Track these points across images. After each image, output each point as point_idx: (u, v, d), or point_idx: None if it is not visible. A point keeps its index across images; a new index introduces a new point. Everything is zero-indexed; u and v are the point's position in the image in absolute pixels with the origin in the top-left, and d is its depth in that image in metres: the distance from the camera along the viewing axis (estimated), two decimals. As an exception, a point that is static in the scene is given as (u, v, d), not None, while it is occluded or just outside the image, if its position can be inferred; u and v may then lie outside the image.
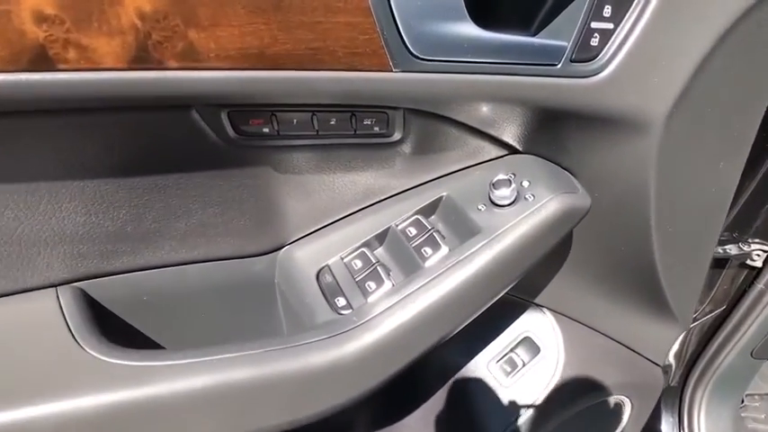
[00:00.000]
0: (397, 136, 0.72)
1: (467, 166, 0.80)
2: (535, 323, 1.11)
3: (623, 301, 1.05)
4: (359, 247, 0.78)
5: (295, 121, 0.65)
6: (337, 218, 0.80)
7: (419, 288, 0.70)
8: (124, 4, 0.47)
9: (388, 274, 0.74)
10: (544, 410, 1.07)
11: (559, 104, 0.67)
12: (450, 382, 1.11)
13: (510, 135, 0.76)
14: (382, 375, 0.72)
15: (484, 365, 1.09)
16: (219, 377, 0.63)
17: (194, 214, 0.70)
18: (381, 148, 0.74)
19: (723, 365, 1.48)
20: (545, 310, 1.11)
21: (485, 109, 0.69)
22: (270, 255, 0.79)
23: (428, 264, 0.73)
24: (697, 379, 1.55)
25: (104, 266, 0.70)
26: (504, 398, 1.07)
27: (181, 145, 0.64)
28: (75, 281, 0.69)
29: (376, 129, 0.70)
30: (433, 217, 0.79)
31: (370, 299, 0.72)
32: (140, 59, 0.50)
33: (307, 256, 0.78)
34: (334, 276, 0.76)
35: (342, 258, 0.77)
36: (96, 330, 0.66)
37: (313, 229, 0.80)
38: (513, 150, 0.80)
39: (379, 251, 0.79)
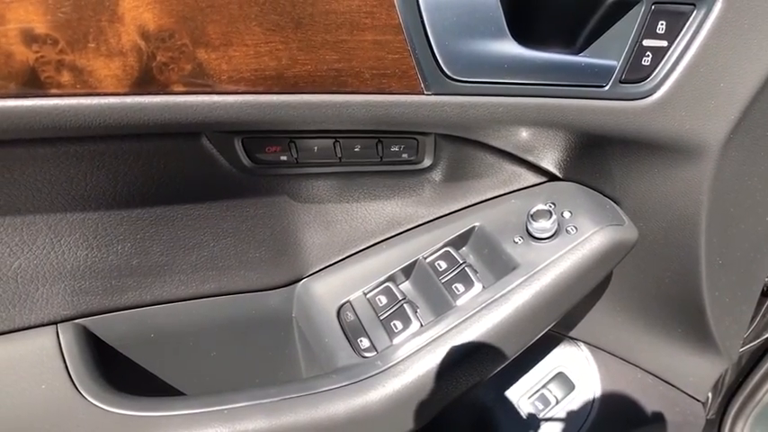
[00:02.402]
0: (426, 163, 0.66)
1: (502, 193, 0.74)
2: (569, 358, 1.04)
3: (664, 333, 0.98)
4: (383, 282, 0.71)
5: (316, 148, 0.59)
6: (360, 249, 0.74)
7: (450, 329, 0.64)
8: (125, 22, 0.42)
9: (416, 313, 0.68)
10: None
11: (606, 129, 0.61)
12: (478, 419, 1.04)
13: (550, 161, 0.70)
14: (410, 426, 0.66)
15: (514, 402, 1.02)
16: (232, 429, 0.57)
17: (205, 246, 0.65)
18: (409, 176, 0.68)
19: (765, 398, 1.39)
20: (580, 343, 1.04)
21: (524, 134, 0.63)
22: (287, 288, 0.73)
23: (460, 302, 0.66)
24: (737, 412, 1.46)
25: (108, 302, 0.64)
26: (533, 438, 1.00)
27: (190, 174, 0.58)
28: (78, 317, 0.64)
29: (404, 156, 0.64)
30: (464, 249, 0.73)
31: (396, 340, 0.66)
32: (143, 83, 0.44)
33: (326, 291, 0.72)
34: (356, 314, 0.69)
35: (365, 294, 0.71)
36: (98, 373, 0.60)
37: (333, 261, 0.74)
38: (552, 177, 0.74)
39: (406, 286, 0.72)
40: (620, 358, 1.05)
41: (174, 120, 0.47)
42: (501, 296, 0.65)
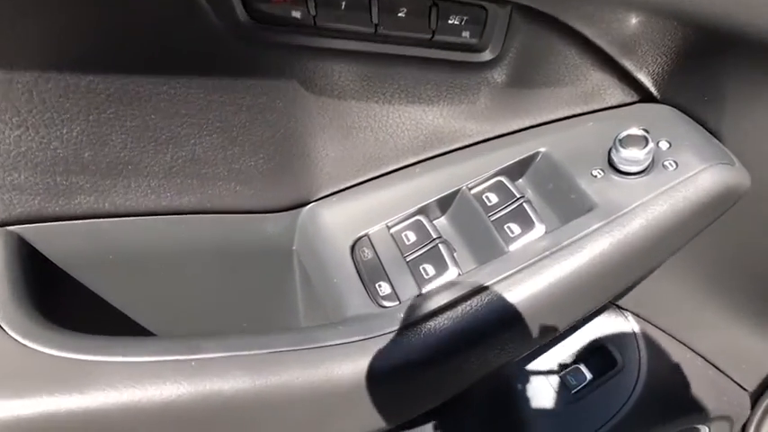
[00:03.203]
0: (489, 54, 0.49)
1: (579, 112, 0.57)
2: (614, 329, 0.88)
3: (731, 315, 0.82)
4: (413, 214, 0.55)
5: (343, 4, 0.42)
6: (387, 170, 0.57)
7: (498, 282, 0.48)
8: None
9: (454, 257, 0.52)
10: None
11: (736, 23, 0.44)
12: (496, 392, 0.89)
13: (650, 70, 0.52)
14: (432, 400, 0.51)
15: (543, 375, 0.87)
16: (203, 387, 0.42)
17: (184, 143, 0.48)
18: (464, 71, 0.50)
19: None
20: (627, 314, 0.88)
21: (633, 22, 0.45)
22: (288, 213, 0.57)
23: (513, 247, 0.50)
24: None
25: (52, 207, 0.49)
26: (565, 421, 0.85)
27: (164, 33, 0.42)
28: (10, 224, 0.48)
29: (464, 35, 0.46)
30: (522, 180, 0.57)
31: (426, 289, 0.50)
32: None
33: (340, 220, 0.56)
34: (375, 252, 0.53)
35: (388, 227, 0.55)
36: (28, 299, 0.45)
37: (351, 183, 0.57)
38: (644, 98, 0.57)
39: (442, 222, 0.56)
40: (671, 335, 0.90)
41: None
42: (570, 244, 0.49)
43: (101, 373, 0.41)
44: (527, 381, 0.88)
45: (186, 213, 0.53)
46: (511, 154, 0.56)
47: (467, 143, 0.57)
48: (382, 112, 0.52)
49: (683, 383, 0.93)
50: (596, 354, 0.87)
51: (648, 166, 0.51)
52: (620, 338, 0.88)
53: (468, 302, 0.48)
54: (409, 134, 0.54)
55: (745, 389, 1.04)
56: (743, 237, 0.66)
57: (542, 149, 0.55)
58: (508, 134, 0.57)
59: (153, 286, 0.54)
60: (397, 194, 0.56)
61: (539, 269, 0.48)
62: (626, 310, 0.88)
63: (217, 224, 0.55)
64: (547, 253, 0.49)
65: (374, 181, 0.57)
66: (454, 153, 0.57)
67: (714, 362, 0.95)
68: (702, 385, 0.96)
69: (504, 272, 0.48)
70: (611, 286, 0.52)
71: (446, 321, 0.47)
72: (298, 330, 0.48)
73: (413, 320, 0.47)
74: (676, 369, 0.92)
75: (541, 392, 0.87)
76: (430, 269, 0.51)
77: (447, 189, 0.55)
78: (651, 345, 0.88)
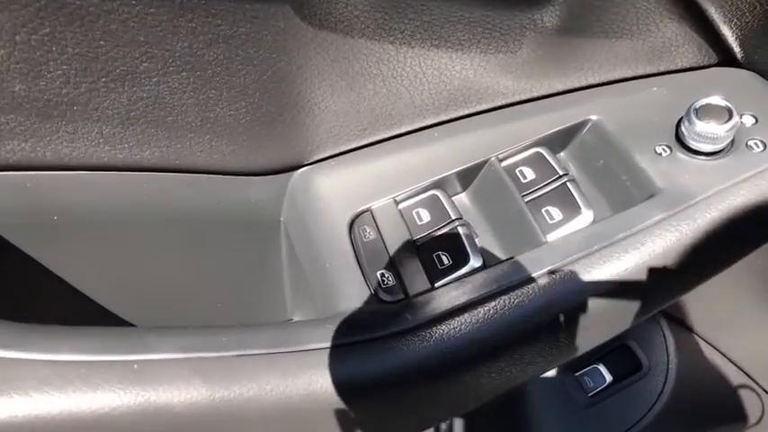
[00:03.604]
0: (542, -13, 0.38)
1: (641, 74, 0.46)
2: (640, 328, 0.79)
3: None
4: (428, 188, 0.45)
5: None
6: (399, 131, 0.47)
7: (530, 280, 0.38)
8: None
9: (476, 244, 0.42)
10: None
11: None
12: (508, 395, 0.80)
13: (740, 23, 0.41)
14: (438, 418, 0.42)
15: (557, 380, 0.78)
16: (146, 398, 0.32)
17: (145, 81, 0.38)
18: (506, 8, 0.39)
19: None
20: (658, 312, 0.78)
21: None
22: (276, 176, 0.47)
23: (552, 237, 0.40)
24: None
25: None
26: (576, 427, 0.76)
27: None
28: None
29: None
30: (564, 153, 0.46)
31: (440, 283, 0.40)
32: None
33: (337, 190, 0.45)
34: (379, 232, 0.43)
35: (397, 202, 0.45)
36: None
37: (354, 145, 0.47)
38: (724, 61, 0.46)
39: (463, 199, 0.46)
40: (704, 339, 0.81)
41: None
42: (625, 238, 0.39)
43: (11, 374, 0.31)
44: (538, 379, 0.79)
45: (149, 170, 0.43)
46: (554, 120, 0.45)
47: (500, 104, 0.46)
48: (398, 57, 0.41)
49: (715, 393, 0.84)
50: (618, 353, 0.78)
51: (728, 145, 0.40)
52: (646, 338, 0.78)
53: (492, 304, 0.38)
54: (430, 87, 0.44)
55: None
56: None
57: (593, 117, 0.45)
58: (552, 95, 0.46)
59: (104, 258, 0.44)
60: (409, 162, 0.46)
61: (583, 267, 0.38)
62: (656, 307, 0.78)
63: (186, 186, 0.44)
64: (595, 247, 0.39)
65: (382, 144, 0.47)
66: (484, 115, 0.47)
67: (750, 372, 0.86)
68: (735, 396, 0.87)
69: (540, 268, 0.38)
70: (670, 293, 0.42)
71: (462, 326, 0.37)
72: (274, 327, 0.38)
73: (420, 322, 0.38)
74: (708, 377, 0.83)
75: (553, 393, 0.78)
76: (445, 258, 0.41)
77: (472, 159, 0.45)
78: (682, 348, 0.78)
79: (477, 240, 0.43)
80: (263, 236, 0.49)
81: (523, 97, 0.45)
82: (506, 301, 0.38)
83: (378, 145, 0.47)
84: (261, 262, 0.50)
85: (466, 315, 0.38)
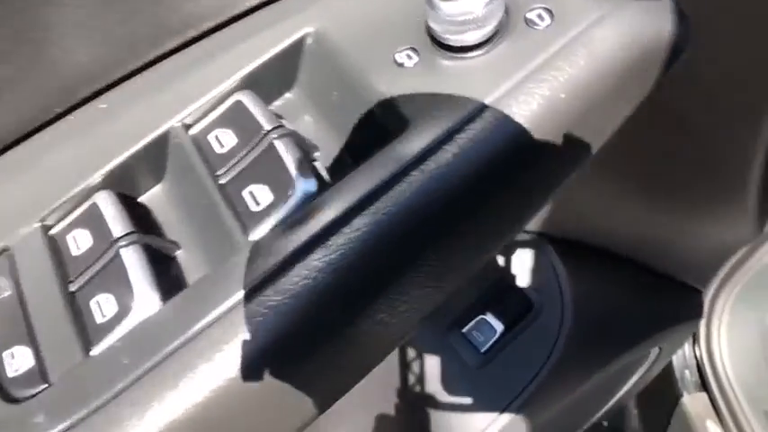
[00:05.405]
0: None
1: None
2: (520, 260, 0.67)
3: (674, 203, 0.62)
4: (86, 196, 0.29)
5: None
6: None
7: (221, 314, 0.23)
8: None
9: (154, 269, 0.26)
10: (537, 402, 0.64)
11: None
12: (388, 372, 0.67)
13: None
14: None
15: (442, 343, 0.65)
16: None
17: None
18: None
19: (754, 269, 1.10)
20: (533, 236, 0.67)
21: None
22: None
23: (257, 235, 0.25)
24: (719, 285, 1.18)
25: None
26: (477, 390, 0.64)
27: None
28: None
29: None
30: (293, 93, 0.31)
31: (94, 352, 0.25)
32: None
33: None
34: (17, 283, 0.27)
35: (46, 228, 0.29)
36: None
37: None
38: None
39: (156, 197, 0.30)
40: (596, 246, 0.70)
41: None
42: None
43: None
44: (419, 347, 0.66)
45: None
46: (262, 46, 0.30)
47: (179, 42, 0.30)
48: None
49: (622, 305, 0.74)
50: (504, 297, 0.65)
51: (499, 27, 0.26)
52: (530, 270, 0.66)
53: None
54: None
55: (700, 289, 0.87)
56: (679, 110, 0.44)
57: (309, 29, 0.29)
58: (256, 8, 0.30)
59: None
60: (63, 160, 0.29)
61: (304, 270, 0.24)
62: (529, 231, 0.66)
63: None
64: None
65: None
66: (158, 65, 0.30)
67: (660, 268, 0.76)
68: (646, 298, 0.78)
69: (250, 276, 0.24)
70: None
71: None
72: None
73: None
74: (611, 289, 0.72)
75: (440, 359, 0.65)
76: (107, 304, 0.25)
77: (147, 133, 0.29)
78: (574, 268, 0.66)
79: (178, 258, 0.27)
80: None
81: (211, 24, 0.29)
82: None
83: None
84: None
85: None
